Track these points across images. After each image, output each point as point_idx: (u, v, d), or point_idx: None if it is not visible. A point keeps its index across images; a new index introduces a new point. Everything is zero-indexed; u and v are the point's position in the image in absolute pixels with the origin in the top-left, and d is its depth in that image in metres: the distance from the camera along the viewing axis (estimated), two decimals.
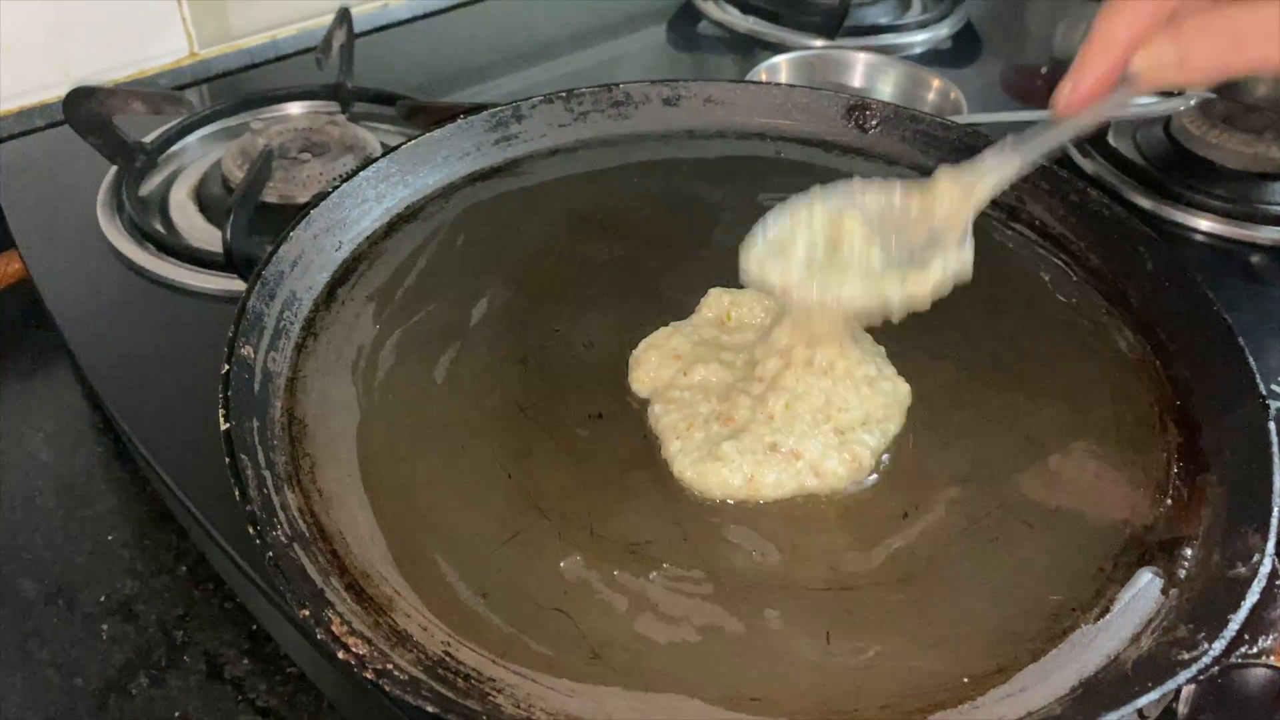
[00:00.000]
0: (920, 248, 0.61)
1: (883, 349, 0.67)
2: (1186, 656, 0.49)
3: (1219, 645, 0.49)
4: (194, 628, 0.71)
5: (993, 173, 0.60)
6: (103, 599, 0.73)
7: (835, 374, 0.63)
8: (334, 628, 0.47)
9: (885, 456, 0.62)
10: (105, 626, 0.71)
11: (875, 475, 0.61)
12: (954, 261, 0.59)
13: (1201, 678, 0.48)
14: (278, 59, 1.21)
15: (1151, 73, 0.53)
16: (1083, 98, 0.56)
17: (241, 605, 0.72)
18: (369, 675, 0.46)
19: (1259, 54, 0.50)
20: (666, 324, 0.69)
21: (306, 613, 0.47)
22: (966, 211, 0.60)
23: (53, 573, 0.74)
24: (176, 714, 0.66)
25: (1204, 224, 0.96)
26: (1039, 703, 0.49)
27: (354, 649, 0.47)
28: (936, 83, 1.07)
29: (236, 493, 0.52)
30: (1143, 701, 0.46)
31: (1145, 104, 1.06)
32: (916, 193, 0.62)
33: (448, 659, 0.50)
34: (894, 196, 0.62)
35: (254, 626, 0.71)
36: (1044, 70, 1.28)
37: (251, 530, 0.51)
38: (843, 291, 0.59)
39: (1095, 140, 1.04)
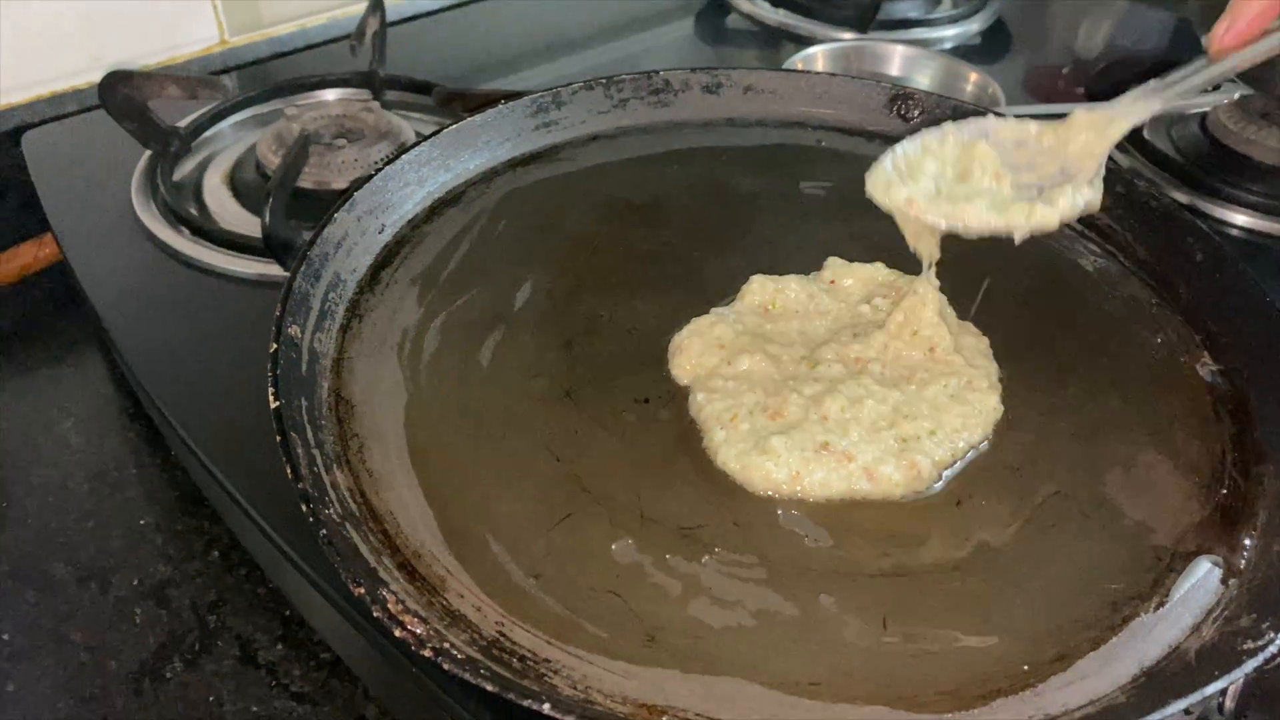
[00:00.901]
0: (1051, 183, 0.60)
1: (987, 343, 0.66)
2: (1251, 646, 0.48)
3: None
4: (227, 613, 0.71)
5: (1131, 112, 0.60)
6: (135, 583, 0.72)
7: (910, 385, 0.62)
8: (390, 606, 0.47)
9: (954, 468, 0.60)
10: (138, 611, 0.71)
11: (939, 485, 0.59)
12: (1084, 196, 0.59)
13: (1267, 667, 0.47)
14: (307, 47, 1.20)
15: None
16: (1238, 35, 0.56)
17: (275, 591, 0.71)
18: (427, 653, 0.45)
19: None
20: (707, 311, 0.68)
21: (362, 591, 0.47)
22: (1101, 148, 0.60)
23: (85, 557, 0.74)
24: (210, 699, 0.66)
25: (1240, 219, 0.95)
26: (1101, 690, 0.49)
27: (411, 627, 0.46)
28: (974, 76, 1.06)
29: (288, 470, 0.52)
30: (1210, 690, 0.46)
31: (1181, 100, 1.06)
32: (1051, 129, 0.61)
33: (502, 639, 0.49)
34: (1028, 130, 0.62)
35: (287, 612, 0.71)
36: (1065, 70, 1.27)
37: (305, 508, 0.50)
38: (968, 215, 0.59)
39: (1131, 135, 1.03)
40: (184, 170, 0.95)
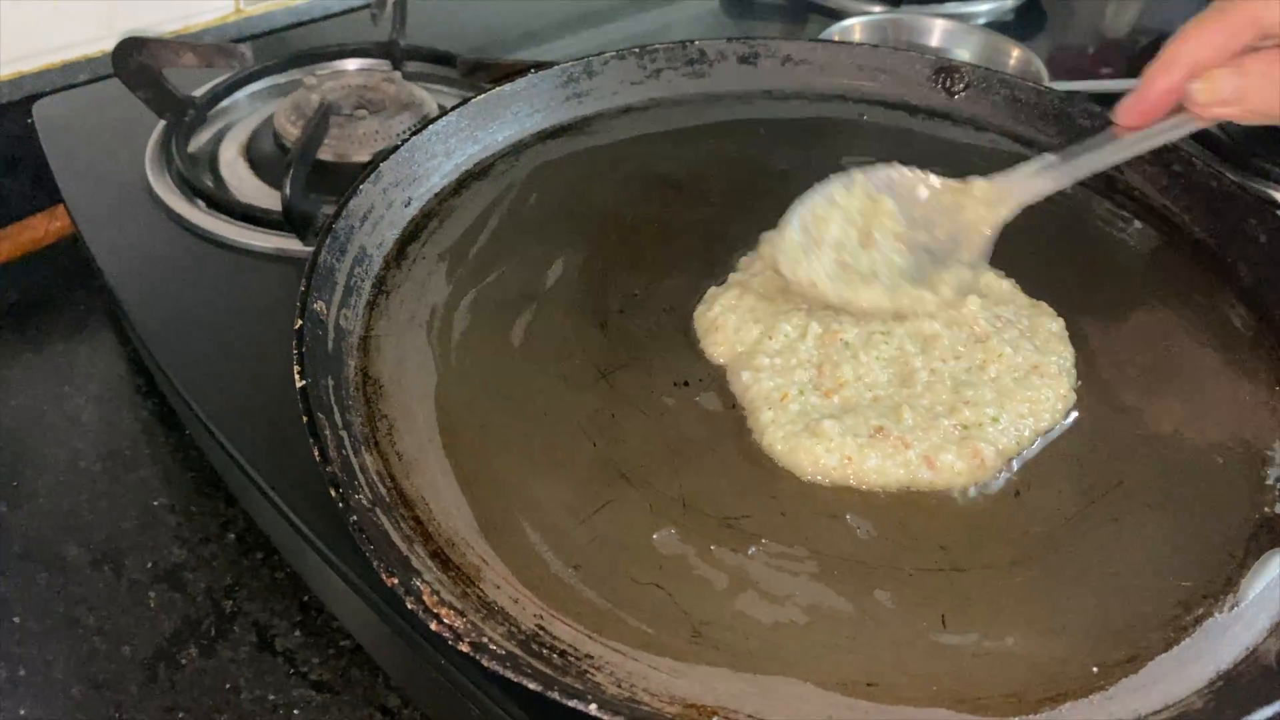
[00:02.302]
0: (942, 249, 0.62)
1: (1062, 324, 0.64)
2: None
3: None
4: (243, 597, 0.68)
5: (1022, 192, 0.62)
6: (150, 566, 0.70)
7: (974, 364, 0.60)
8: (425, 598, 0.44)
9: (1020, 459, 0.57)
10: (153, 594, 0.68)
11: (1005, 476, 0.56)
12: (960, 283, 0.61)
13: None
14: (325, 17, 1.17)
15: (1207, 102, 0.53)
16: (1139, 113, 0.57)
17: (293, 575, 0.69)
18: (464, 648, 0.43)
19: None
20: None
21: (395, 581, 0.44)
22: (988, 226, 0.62)
23: (98, 538, 0.72)
24: (227, 686, 0.64)
25: None
26: (1176, 695, 0.46)
27: (447, 620, 0.44)
28: (1017, 52, 1.03)
29: (316, 453, 0.49)
30: None
31: None
32: (951, 190, 0.63)
33: (541, 633, 0.47)
34: (931, 184, 0.63)
35: (305, 597, 0.68)
36: (1091, 50, 1.24)
37: (334, 493, 0.48)
38: (863, 299, 0.61)
39: None
40: (199, 141, 0.92)
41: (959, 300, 0.61)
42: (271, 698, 0.63)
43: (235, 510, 0.74)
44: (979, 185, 0.62)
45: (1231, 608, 0.50)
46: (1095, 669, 0.47)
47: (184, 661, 0.65)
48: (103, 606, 0.68)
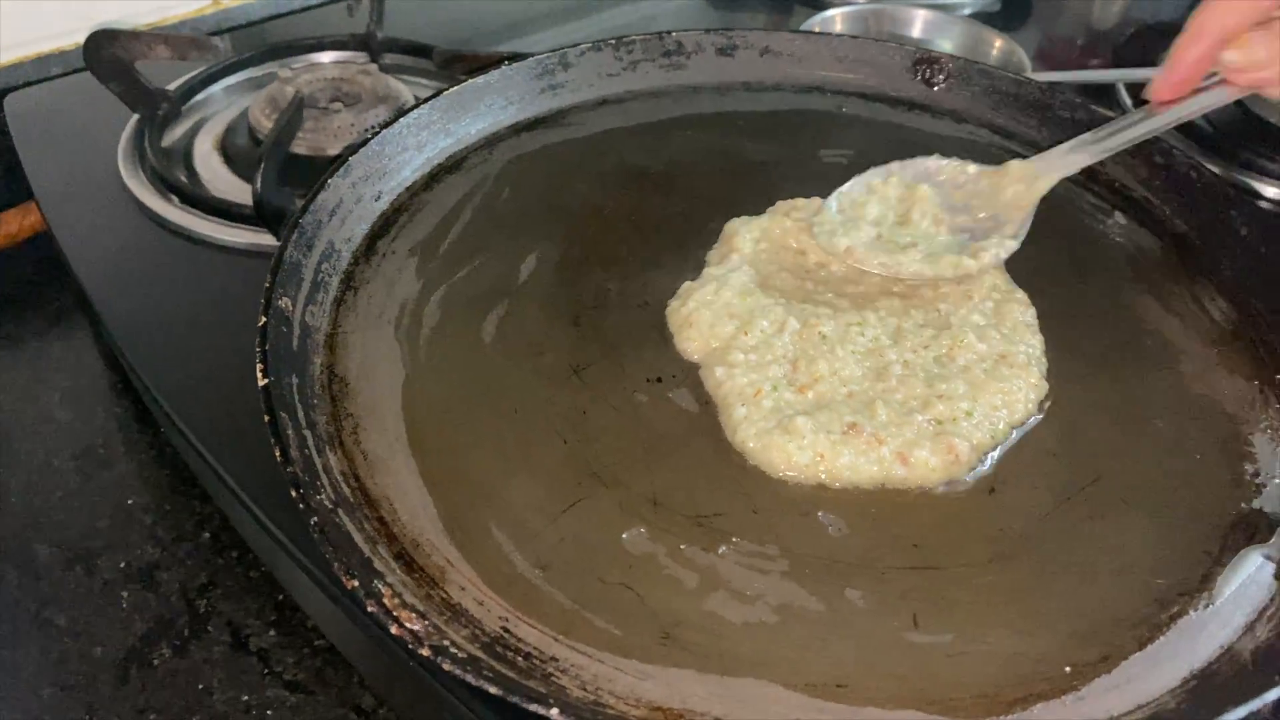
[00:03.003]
0: (982, 228, 0.64)
1: (1034, 313, 0.64)
2: None
3: None
4: (218, 597, 0.68)
5: (1059, 167, 0.64)
6: (123, 565, 0.69)
7: (942, 353, 0.60)
8: (386, 600, 0.43)
9: (994, 454, 0.56)
10: (125, 594, 0.68)
11: (979, 471, 0.55)
12: (1005, 249, 0.63)
13: None
14: (304, 9, 1.16)
15: (1241, 68, 0.54)
16: (1173, 86, 0.58)
17: (267, 574, 0.68)
18: (425, 652, 0.42)
19: None
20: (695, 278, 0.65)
21: (355, 584, 0.44)
22: (1028, 202, 0.64)
23: (71, 538, 0.71)
24: (200, 686, 0.63)
25: (1271, 191, 0.92)
26: (1149, 695, 0.46)
27: (408, 624, 0.43)
28: (999, 42, 1.02)
29: (277, 453, 0.48)
30: (1271, 695, 0.42)
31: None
32: (988, 174, 0.66)
33: (506, 636, 0.46)
34: (967, 172, 0.66)
35: (280, 596, 0.67)
36: (1080, 42, 1.23)
37: (294, 494, 0.47)
38: (903, 267, 0.63)
39: None
40: (174, 135, 0.91)
41: (993, 267, 0.64)
42: (245, 698, 0.63)
43: (210, 508, 0.73)
44: (1016, 165, 0.65)
45: (1206, 605, 0.49)
46: (1068, 669, 0.46)
47: (156, 662, 0.64)
48: (74, 607, 0.67)
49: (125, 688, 0.63)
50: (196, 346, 0.69)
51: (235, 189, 0.83)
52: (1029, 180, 0.64)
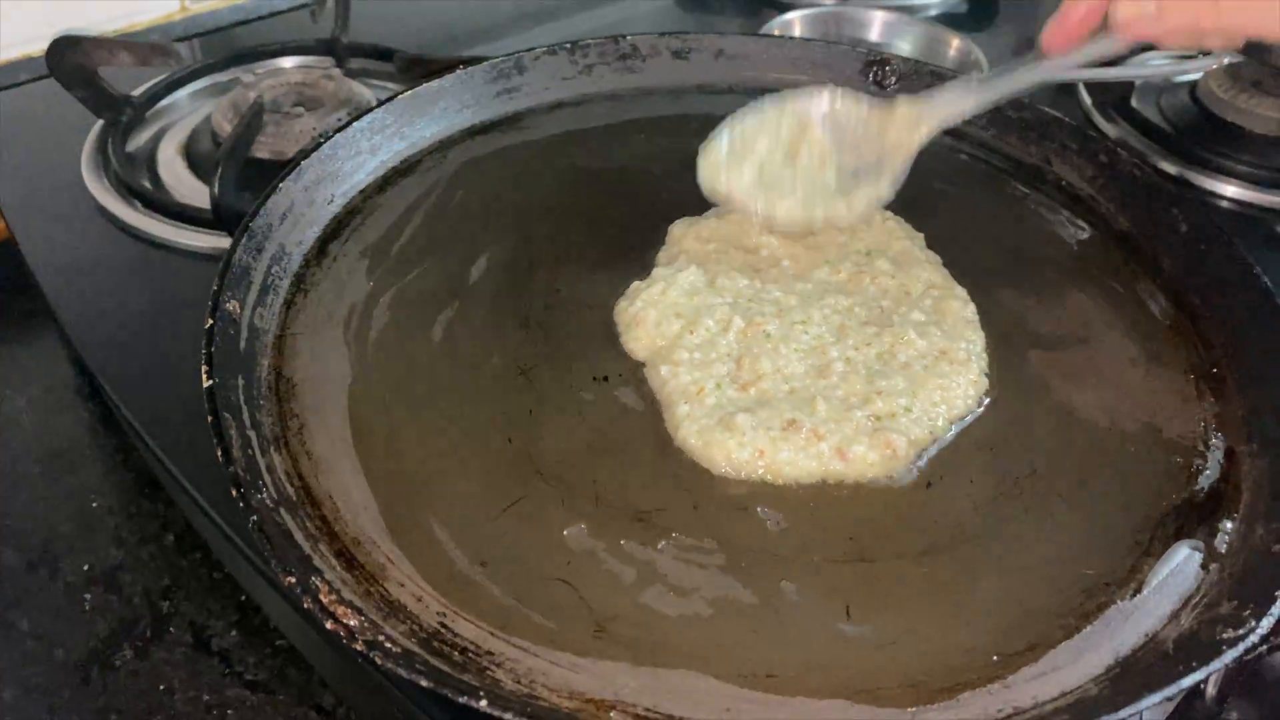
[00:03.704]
0: (866, 168, 0.63)
1: (974, 309, 0.64)
2: (1232, 635, 0.46)
3: (1267, 623, 0.46)
4: (180, 598, 0.68)
5: (944, 109, 0.63)
6: (86, 568, 0.70)
7: (884, 349, 0.61)
8: (322, 596, 0.44)
9: (932, 449, 0.57)
10: (88, 596, 0.68)
11: (918, 466, 0.56)
12: (879, 192, 0.63)
13: (1249, 657, 0.45)
14: (271, 15, 1.16)
15: (1129, 21, 0.54)
16: (1064, 36, 0.57)
17: (230, 576, 0.69)
18: (359, 647, 0.43)
19: (1235, 21, 0.51)
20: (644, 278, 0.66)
21: (292, 580, 0.44)
22: (908, 145, 0.63)
23: (35, 541, 0.71)
24: (161, 687, 0.64)
25: (1230, 190, 0.92)
26: (1073, 682, 0.47)
27: (343, 619, 0.44)
28: (956, 42, 1.03)
29: (219, 453, 0.49)
30: (1187, 682, 0.43)
31: (1171, 66, 1.03)
32: (879, 112, 0.64)
33: (443, 631, 0.47)
34: (861, 109, 0.64)
35: (243, 597, 0.68)
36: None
37: (235, 493, 0.48)
38: (777, 210, 0.63)
39: (1118, 104, 1.00)
40: (138, 141, 0.91)
41: (869, 215, 0.65)
42: (206, 698, 0.63)
43: (174, 511, 0.73)
44: (902, 107, 0.63)
45: (1134, 595, 0.50)
46: (996, 658, 0.47)
47: (118, 663, 0.65)
48: (37, 610, 0.67)
49: (87, 689, 0.63)
50: (157, 350, 0.70)
51: (199, 194, 0.84)
52: (911, 127, 0.63)
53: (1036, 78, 0.60)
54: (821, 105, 0.64)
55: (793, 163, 0.64)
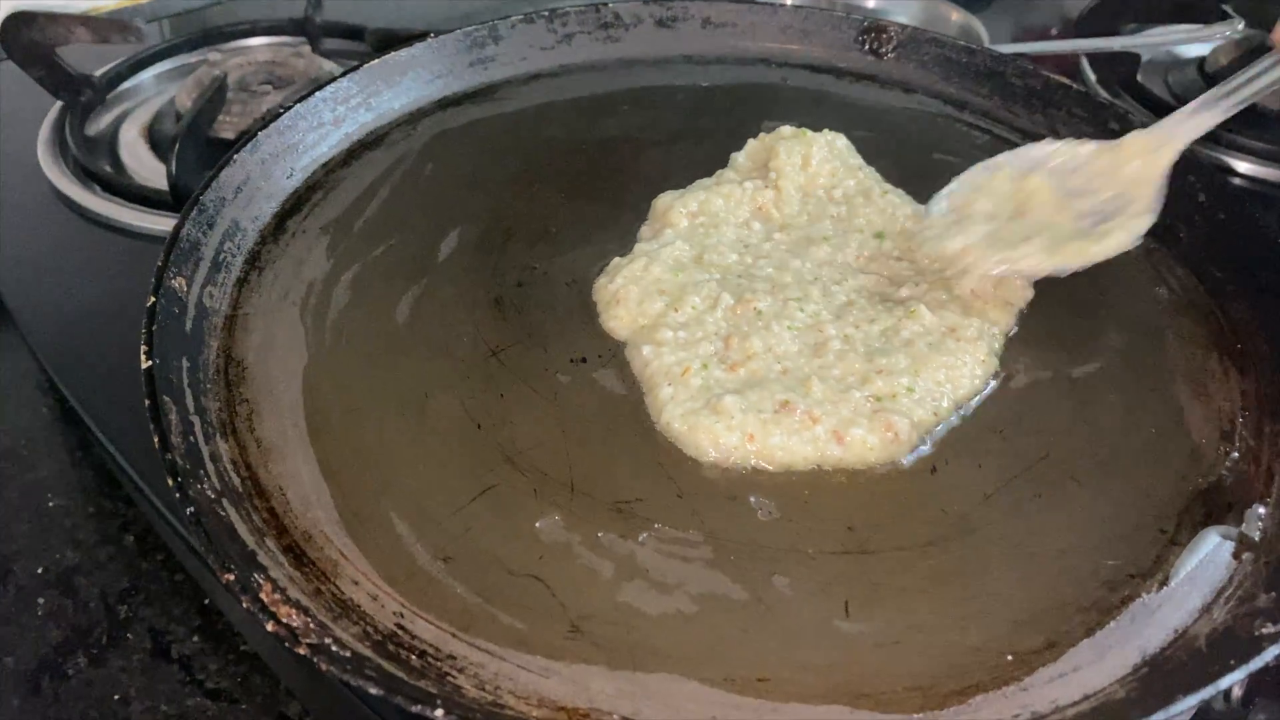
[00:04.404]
0: (1108, 208, 0.59)
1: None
2: (1272, 630, 0.42)
3: None
4: (140, 602, 0.64)
5: (1184, 132, 0.59)
6: (40, 571, 0.66)
7: (888, 327, 0.56)
8: (263, 595, 0.40)
9: (937, 432, 0.53)
10: (42, 601, 0.64)
11: (921, 451, 0.52)
12: (1139, 225, 0.58)
13: None
14: None
15: None
16: None
17: (193, 578, 0.65)
18: (303, 650, 0.38)
19: None
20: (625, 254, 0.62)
21: (231, 577, 0.40)
22: (1154, 174, 0.59)
23: None
24: (116, 697, 0.60)
25: (1242, 166, 0.89)
26: (1097, 684, 0.42)
27: (286, 620, 0.39)
28: (956, 15, 0.99)
29: (156, 440, 0.45)
30: (1225, 683, 0.39)
31: (1179, 38, 0.99)
32: (1105, 151, 0.60)
33: (400, 633, 0.42)
34: (1081, 153, 0.61)
35: (206, 601, 0.64)
36: (1054, 31, 1.20)
37: (171, 482, 0.43)
38: (1024, 262, 0.58)
39: (1124, 80, 0.96)
40: (99, 124, 0.88)
41: (1127, 247, 0.58)
42: (164, 708, 0.59)
43: (135, 510, 0.69)
44: (1135, 140, 0.60)
45: (1160, 587, 0.46)
46: (1010, 658, 0.43)
47: (70, 672, 0.61)
48: None
49: (36, 699, 0.59)
50: (114, 340, 0.66)
51: (161, 177, 0.80)
52: (1150, 151, 0.60)
53: (1267, 82, 0.57)
54: (1037, 156, 0.62)
55: (1022, 215, 0.60)
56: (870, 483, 0.51)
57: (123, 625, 0.63)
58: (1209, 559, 0.47)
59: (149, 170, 0.82)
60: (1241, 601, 0.45)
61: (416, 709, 0.37)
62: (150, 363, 0.48)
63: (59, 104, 0.86)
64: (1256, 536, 0.48)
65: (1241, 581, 0.46)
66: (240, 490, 0.47)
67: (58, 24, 0.84)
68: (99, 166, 0.80)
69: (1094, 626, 0.45)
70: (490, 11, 1.12)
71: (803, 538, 0.48)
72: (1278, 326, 0.57)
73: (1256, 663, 0.40)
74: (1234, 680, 0.39)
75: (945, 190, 0.62)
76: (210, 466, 0.47)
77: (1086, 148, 0.61)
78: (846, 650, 0.43)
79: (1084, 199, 0.60)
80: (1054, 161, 0.61)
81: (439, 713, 0.37)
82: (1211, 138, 0.88)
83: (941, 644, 0.44)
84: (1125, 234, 0.57)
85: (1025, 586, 0.46)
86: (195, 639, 0.62)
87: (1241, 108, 0.58)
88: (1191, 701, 0.39)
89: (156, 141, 0.85)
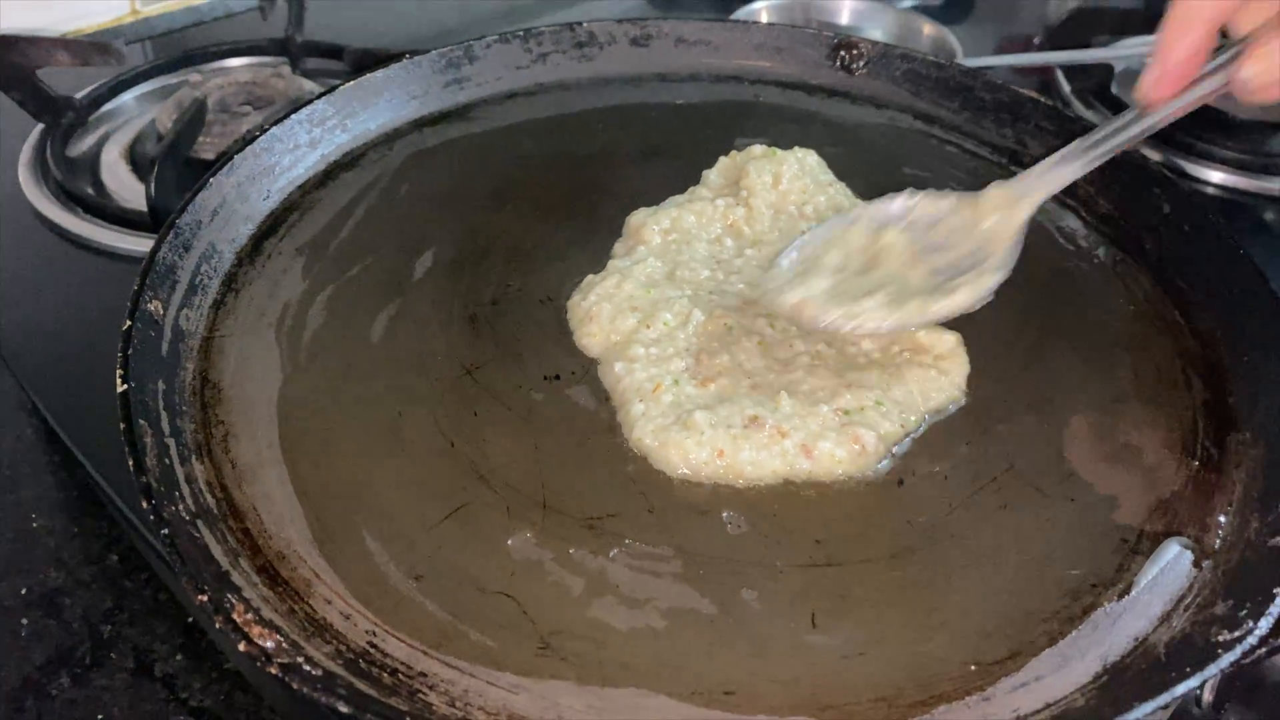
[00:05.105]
0: (966, 263, 0.57)
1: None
2: (1228, 637, 0.43)
3: (1265, 623, 0.42)
4: (123, 622, 0.64)
5: (1044, 185, 0.57)
6: (24, 591, 0.66)
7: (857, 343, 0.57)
8: (236, 615, 0.41)
9: (904, 444, 0.54)
10: (25, 621, 0.64)
11: (888, 463, 0.53)
12: (981, 287, 0.55)
13: (1247, 660, 0.42)
14: (226, 16, 1.14)
15: (1261, 88, 0.48)
16: (1164, 84, 0.51)
17: (176, 597, 0.65)
18: (274, 671, 0.39)
19: None
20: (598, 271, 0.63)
21: (205, 599, 0.41)
22: (1010, 229, 0.57)
23: None
24: (100, 716, 0.60)
25: (1215, 176, 0.90)
26: (1058, 693, 0.43)
27: (258, 640, 0.40)
28: (929, 29, 1.00)
29: (130, 462, 0.45)
30: (1181, 690, 0.40)
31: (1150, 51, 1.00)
32: (966, 203, 0.58)
33: (372, 651, 0.43)
34: (942, 206, 0.59)
35: (189, 619, 0.64)
36: (1037, 40, 1.21)
37: (146, 504, 0.44)
38: (862, 317, 0.55)
39: (1098, 90, 0.97)
40: (81, 146, 0.88)
41: (980, 303, 0.56)
42: None
43: (118, 530, 0.70)
44: (993, 194, 0.58)
45: (1122, 596, 0.47)
46: (974, 667, 0.44)
47: (54, 692, 0.61)
48: None
49: (19, 718, 0.59)
50: (95, 361, 0.65)
51: (142, 198, 0.80)
52: (1008, 205, 0.58)
53: (1138, 130, 0.55)
54: (892, 214, 0.59)
55: (872, 269, 0.58)
56: (839, 495, 0.51)
57: (106, 645, 0.63)
58: (1170, 568, 0.48)
59: (130, 192, 0.82)
60: (1200, 609, 0.46)
61: None
62: (125, 386, 0.48)
63: (40, 126, 0.87)
64: (1215, 544, 0.49)
65: (1201, 589, 0.47)
66: (215, 511, 0.47)
67: (39, 47, 0.85)
68: (80, 188, 0.80)
69: (1056, 636, 0.45)
70: (468, 30, 1.14)
71: (771, 551, 0.48)
72: (1240, 338, 0.58)
73: (1212, 669, 0.41)
74: (1190, 687, 0.40)
75: (797, 241, 0.60)
76: (185, 488, 0.47)
77: (947, 200, 0.59)
78: (813, 662, 0.44)
79: (940, 254, 0.58)
80: (913, 215, 0.59)
81: None
82: (1183, 148, 0.90)
83: (906, 655, 0.44)
84: (972, 291, 0.55)
85: (990, 597, 0.47)
86: (178, 658, 0.63)
87: (1103, 160, 0.57)
88: (1149, 708, 0.39)
89: (138, 163, 0.86)
